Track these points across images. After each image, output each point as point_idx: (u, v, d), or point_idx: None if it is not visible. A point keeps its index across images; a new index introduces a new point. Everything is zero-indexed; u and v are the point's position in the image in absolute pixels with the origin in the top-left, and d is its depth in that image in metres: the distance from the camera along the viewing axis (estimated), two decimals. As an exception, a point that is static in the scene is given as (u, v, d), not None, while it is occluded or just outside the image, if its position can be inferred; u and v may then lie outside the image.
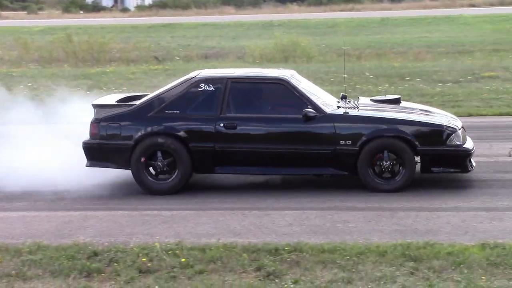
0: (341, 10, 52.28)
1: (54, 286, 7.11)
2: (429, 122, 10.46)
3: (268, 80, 10.74)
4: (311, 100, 10.41)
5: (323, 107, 10.41)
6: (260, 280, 7.18)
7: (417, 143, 10.12)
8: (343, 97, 11.45)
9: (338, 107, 10.71)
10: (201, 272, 7.37)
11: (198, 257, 7.71)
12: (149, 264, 7.55)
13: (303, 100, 10.36)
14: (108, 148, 10.56)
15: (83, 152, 10.72)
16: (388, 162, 10.16)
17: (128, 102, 11.13)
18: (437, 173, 10.51)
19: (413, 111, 10.98)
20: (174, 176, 10.43)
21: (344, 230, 8.68)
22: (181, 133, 10.35)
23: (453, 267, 7.27)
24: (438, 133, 10.25)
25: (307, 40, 29.98)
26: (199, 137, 10.36)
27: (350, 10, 52.21)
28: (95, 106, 10.85)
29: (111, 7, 73.35)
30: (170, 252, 7.84)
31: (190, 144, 10.33)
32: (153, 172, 10.49)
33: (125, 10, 68.96)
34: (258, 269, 7.41)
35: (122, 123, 10.53)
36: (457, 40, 31.91)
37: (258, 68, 12.50)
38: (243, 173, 10.75)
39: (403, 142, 10.15)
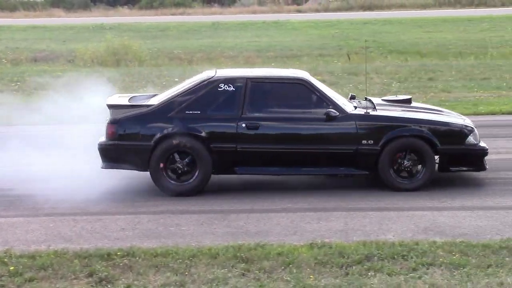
0: (172, 14, 52.34)
1: None
2: (449, 122, 10.72)
3: (289, 80, 10.74)
4: (332, 99, 10.50)
5: (344, 107, 10.51)
6: (92, 286, 7.15)
7: (437, 142, 10.34)
8: (352, 97, 11.61)
9: (355, 107, 10.82)
10: (31, 280, 7.26)
11: (28, 264, 7.58)
12: (-24, 274, 7.37)
13: (324, 100, 10.44)
14: (127, 149, 10.35)
15: (99, 153, 10.46)
16: (410, 161, 10.37)
17: (133, 102, 10.90)
18: (454, 172, 10.79)
19: (428, 111, 11.20)
20: (195, 177, 10.30)
21: (176, 233, 8.74)
22: (203, 134, 10.27)
23: (282, 267, 7.47)
24: (457, 133, 10.53)
25: (138, 43, 29.88)
26: (221, 138, 10.32)
27: (181, 14, 52.38)
28: (111, 107, 10.59)
29: None
30: (-3, 260, 7.68)
31: (212, 144, 10.26)
32: (172, 173, 10.36)
33: None
34: (90, 275, 7.36)
35: (141, 124, 10.35)
36: (285, 44, 32.64)
37: (273, 68, 12.47)
38: (263, 174, 10.75)
39: (424, 142, 10.36)
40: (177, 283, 7.14)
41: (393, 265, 7.50)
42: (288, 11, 52.62)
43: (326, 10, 52.50)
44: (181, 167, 10.30)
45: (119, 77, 22.39)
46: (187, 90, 10.57)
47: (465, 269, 7.35)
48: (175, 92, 10.70)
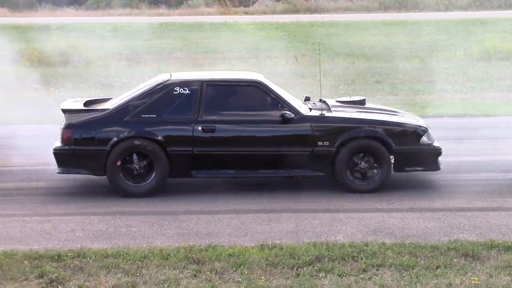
0: (119, 15, 51.99)
1: None
2: (403, 122, 10.81)
3: (244, 83, 10.75)
4: (287, 101, 10.53)
5: (299, 109, 10.54)
6: (42, 287, 7.12)
7: (392, 143, 10.41)
8: (307, 99, 11.57)
9: (311, 109, 10.83)
10: (-21, 282, 7.20)
11: (-24, 266, 7.51)
12: None
13: (280, 102, 10.49)
14: (82, 154, 10.22)
15: (54, 158, 10.35)
16: (365, 162, 10.43)
17: (90, 106, 10.82)
18: (409, 172, 10.88)
19: (383, 112, 11.30)
20: (151, 180, 10.25)
21: (127, 234, 8.72)
22: (159, 137, 10.22)
23: (234, 268, 7.52)
24: (412, 133, 10.62)
25: (85, 44, 29.63)
26: (177, 141, 10.28)
27: (128, 14, 52.08)
28: (66, 111, 10.53)
29: None
30: None
31: (168, 148, 10.21)
32: (129, 175, 10.28)
33: None
34: (41, 276, 7.33)
35: (97, 128, 10.25)
36: (233, 46, 32.63)
37: (228, 71, 12.55)
38: (221, 176, 10.67)
39: (379, 142, 10.43)
40: (128, 284, 7.14)
41: (344, 266, 7.60)
42: (235, 13, 52.64)
43: (273, 12, 52.66)
44: (137, 168, 10.26)
45: (66, 77, 22.24)
46: (143, 94, 10.53)
47: (414, 270, 7.47)
48: (130, 96, 10.67)
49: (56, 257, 7.75)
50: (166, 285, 7.14)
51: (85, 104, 11.01)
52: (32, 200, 10.11)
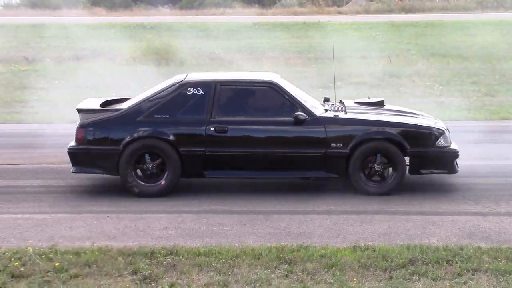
0: (213, 14, 52.43)
1: None
2: (418, 124, 10.62)
3: (258, 84, 10.72)
4: (301, 103, 10.49)
5: (313, 110, 10.49)
6: (136, 283, 7.17)
7: (407, 145, 10.27)
8: (326, 100, 11.51)
9: (326, 110, 10.80)
10: (75, 276, 7.30)
11: (73, 261, 7.63)
12: (21, 269, 7.42)
13: (293, 103, 10.44)
14: (96, 154, 10.37)
15: (69, 158, 10.52)
16: (379, 165, 10.33)
17: (108, 106, 10.95)
18: (425, 175, 10.74)
19: (399, 114, 11.12)
20: (163, 180, 10.33)
21: (219, 233, 8.75)
22: (171, 137, 10.27)
23: (326, 270, 7.45)
24: (427, 135, 10.43)
25: (178, 43, 29.97)
26: (190, 141, 10.32)
27: (222, 14, 52.47)
28: (81, 111, 10.66)
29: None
30: (43, 256, 7.73)
31: (180, 148, 10.27)
32: (141, 175, 10.39)
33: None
34: (134, 272, 7.39)
35: (110, 128, 10.38)
36: (326, 46, 32.49)
37: (244, 72, 12.74)
38: (233, 177, 10.71)
39: (393, 145, 10.30)
40: (220, 283, 7.15)
41: (438, 270, 7.45)
42: (329, 13, 52.48)
43: (367, 12, 52.30)
44: (150, 168, 10.33)
45: (159, 76, 22.48)
46: (157, 94, 10.60)
47: (511, 276, 7.28)
48: (145, 96, 10.72)
49: (150, 254, 7.82)
50: (257, 285, 7.12)
51: (104, 104, 11.09)
52: (126, 198, 10.25)
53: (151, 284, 7.16)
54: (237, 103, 10.58)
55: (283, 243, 8.19)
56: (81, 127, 10.43)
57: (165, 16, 50.15)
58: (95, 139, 10.35)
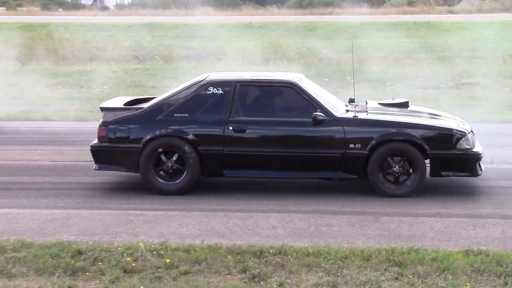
0: (321, 14, 52.35)
1: (39, 284, 7.06)
2: (438, 126, 10.45)
3: (278, 84, 10.73)
4: (320, 103, 10.43)
5: (332, 111, 10.42)
6: (245, 282, 7.18)
7: (427, 147, 10.13)
8: (351, 101, 11.43)
9: (347, 110, 10.73)
10: (186, 273, 7.36)
11: (183, 258, 7.70)
12: (133, 264, 7.54)
13: (312, 103, 10.40)
14: (117, 151, 10.56)
15: (91, 155, 10.75)
16: (398, 166, 10.20)
17: (135, 105, 11.13)
18: (446, 177, 10.57)
19: (422, 115, 11.00)
20: (182, 178, 10.43)
21: (328, 233, 8.69)
22: (190, 136, 10.36)
23: (437, 273, 7.31)
24: (448, 137, 10.26)
25: (286, 42, 30.00)
26: (208, 140, 10.39)
27: (330, 13, 52.32)
28: (104, 109, 10.84)
29: (91, 5, 73.05)
30: (154, 252, 7.83)
31: (199, 147, 10.35)
32: (162, 173, 10.50)
33: (104, 8, 68.72)
34: (243, 271, 7.41)
35: (131, 126, 10.53)
36: (437, 46, 32.04)
37: (266, 72, 12.81)
38: (252, 177, 10.73)
39: (413, 146, 10.16)
40: (329, 283, 7.09)
41: (555, 277, 7.21)
42: (439, 12, 51.70)
43: (480, 11, 51.27)
44: (170, 166, 10.40)
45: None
46: (177, 93, 10.70)
47: None
48: (166, 95, 10.86)
49: (258, 253, 7.83)
50: (367, 287, 7.04)
51: (131, 103, 11.21)
52: (238, 196, 10.33)
53: (260, 283, 7.16)
54: (256, 103, 10.65)
55: (393, 245, 8.08)
56: (103, 125, 10.61)
57: (274, 15, 50.34)
58: (117, 138, 10.52)
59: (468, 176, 10.43)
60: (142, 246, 7.96)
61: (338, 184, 10.73)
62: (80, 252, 7.84)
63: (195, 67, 26.29)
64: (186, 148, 10.34)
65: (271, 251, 7.86)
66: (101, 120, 10.73)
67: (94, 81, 22.92)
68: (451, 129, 10.34)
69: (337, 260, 7.63)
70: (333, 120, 10.29)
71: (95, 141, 10.70)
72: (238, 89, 10.51)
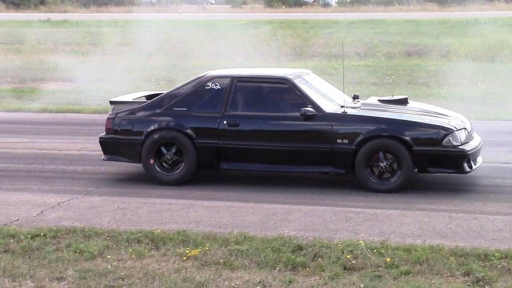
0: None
1: (260, 277, 7.16)
2: (424, 122, 10.48)
3: (272, 80, 11.08)
4: (312, 99, 10.67)
5: (322, 107, 10.63)
6: (468, 285, 6.96)
7: (412, 143, 10.16)
8: (355, 97, 11.72)
9: (342, 106, 10.84)
10: (406, 273, 7.22)
11: (403, 257, 7.56)
12: (353, 261, 7.48)
13: (304, 99, 10.64)
14: (122, 143, 11.20)
15: (100, 146, 11.43)
16: (385, 162, 10.30)
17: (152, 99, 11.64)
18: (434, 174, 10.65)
19: (414, 112, 10.99)
20: (180, 169, 10.93)
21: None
22: (187, 130, 10.84)
23: None
24: (433, 134, 10.29)
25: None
26: (204, 134, 10.85)
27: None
28: (113, 103, 11.56)
29: (313, 2, 73.87)
30: (374, 250, 7.74)
31: (196, 140, 10.81)
32: (161, 164, 11.02)
33: (326, 5, 69.31)
34: (466, 274, 7.18)
35: (134, 119, 11.17)
36: None
37: (268, 68, 13.39)
38: (247, 170, 11.03)
39: (399, 143, 10.23)
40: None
41: None
42: None
43: None
44: (169, 158, 10.92)
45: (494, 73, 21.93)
46: (179, 88, 11.28)
47: None
48: (169, 90, 11.48)
49: (483, 256, 7.54)
50: None
51: (150, 97, 11.76)
52: (460, 196, 10.05)
53: (484, 287, 6.90)
54: (251, 98, 10.99)
55: None
56: (109, 118, 11.31)
57: (501, 10, 48.70)
58: (121, 130, 11.18)
59: (455, 173, 10.46)
60: (362, 243, 7.90)
61: None
62: (300, 248, 7.88)
63: (417, 64, 25.96)
64: (184, 140, 10.82)
65: (496, 254, 7.56)
66: (109, 113, 11.43)
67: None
68: (437, 126, 10.36)
69: None
70: (322, 115, 10.50)
71: (104, 133, 11.36)
72: (235, 84, 10.92)
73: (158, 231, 8.51)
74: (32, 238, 8.34)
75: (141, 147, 11.02)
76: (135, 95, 12.35)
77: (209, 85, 11.04)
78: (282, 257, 7.61)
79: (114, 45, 30.19)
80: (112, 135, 11.26)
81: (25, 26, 43.14)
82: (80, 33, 36.96)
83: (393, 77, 23.36)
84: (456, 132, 10.32)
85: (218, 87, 10.99)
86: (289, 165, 10.75)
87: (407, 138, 10.22)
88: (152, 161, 10.97)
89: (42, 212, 9.62)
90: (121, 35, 32.82)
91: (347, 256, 7.59)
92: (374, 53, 29.75)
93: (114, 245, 8.10)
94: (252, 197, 10.21)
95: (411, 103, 11.60)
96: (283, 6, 63.13)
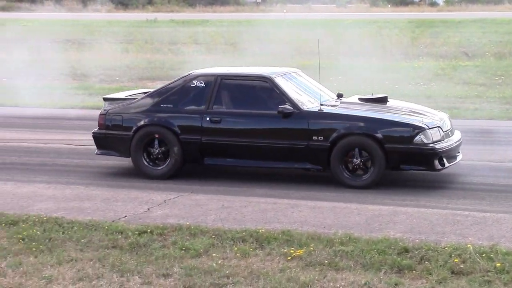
0: None
1: (366, 279, 7.07)
2: (397, 121, 10.71)
3: (253, 78, 11.45)
4: (290, 97, 10.97)
5: (299, 104, 10.93)
6: None
7: (384, 141, 10.40)
8: (339, 96, 12.05)
9: (321, 104, 11.06)
10: (518, 278, 7.02)
11: (515, 263, 7.35)
12: (461, 266, 7.31)
13: (283, 97, 10.96)
14: (113, 138, 11.72)
15: (93, 141, 11.96)
16: (359, 159, 10.55)
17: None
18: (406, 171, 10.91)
19: (390, 110, 11.21)
20: (166, 164, 11.39)
21: None
22: (173, 126, 11.31)
23: None
24: (404, 132, 10.52)
25: None
26: (188, 130, 11.27)
27: None
28: (106, 99, 12.07)
29: (419, 1, 72.91)
30: (484, 255, 7.54)
31: (181, 136, 11.25)
32: (149, 159, 11.49)
33: (433, 4, 68.32)
34: None
35: (124, 115, 11.66)
36: None
37: (254, 67, 13.55)
38: (230, 165, 11.40)
39: (371, 140, 10.46)
40: None
41: None
42: None
43: None
44: (156, 153, 11.40)
45: None
46: (167, 85, 11.77)
47: None
48: (158, 87, 12.05)
49: None
50: None
51: (134, 94, 12.33)
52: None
53: None
54: (233, 95, 11.35)
55: None
56: (102, 114, 11.85)
57: None
58: (112, 125, 11.71)
59: (426, 170, 10.65)
60: (471, 247, 7.71)
61: None
62: (406, 250, 7.75)
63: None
64: (170, 136, 11.27)
65: None
66: (102, 109, 11.93)
67: (420, 77, 22.78)
68: (409, 124, 10.58)
69: None
70: (299, 113, 10.82)
71: (96, 128, 11.87)
72: (219, 82, 11.33)
73: (263, 230, 8.52)
74: (139, 234, 8.47)
75: (130, 142, 11.47)
76: (129, 92, 12.89)
77: (194, 83, 11.47)
78: (387, 259, 7.50)
79: (218, 44, 30.45)
80: (104, 131, 11.81)
81: (140, 26, 43.82)
82: (187, 32, 37.41)
83: (502, 77, 22.83)
84: (428, 131, 10.51)
85: (203, 84, 11.42)
86: (268, 161, 11.10)
87: (379, 135, 10.48)
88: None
89: (149, 209, 9.76)
90: (227, 34, 33.03)
91: (455, 260, 7.42)
92: (483, 53, 29.12)
93: (219, 244, 8.15)
94: (356, 198, 10.13)
95: (391, 102, 11.82)
96: (389, 6, 62.51)
